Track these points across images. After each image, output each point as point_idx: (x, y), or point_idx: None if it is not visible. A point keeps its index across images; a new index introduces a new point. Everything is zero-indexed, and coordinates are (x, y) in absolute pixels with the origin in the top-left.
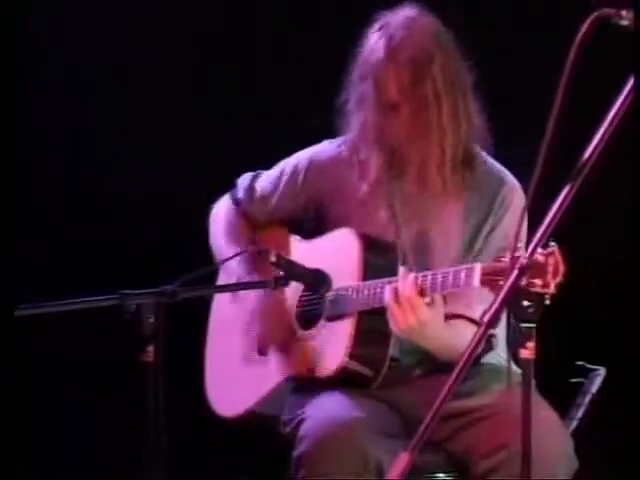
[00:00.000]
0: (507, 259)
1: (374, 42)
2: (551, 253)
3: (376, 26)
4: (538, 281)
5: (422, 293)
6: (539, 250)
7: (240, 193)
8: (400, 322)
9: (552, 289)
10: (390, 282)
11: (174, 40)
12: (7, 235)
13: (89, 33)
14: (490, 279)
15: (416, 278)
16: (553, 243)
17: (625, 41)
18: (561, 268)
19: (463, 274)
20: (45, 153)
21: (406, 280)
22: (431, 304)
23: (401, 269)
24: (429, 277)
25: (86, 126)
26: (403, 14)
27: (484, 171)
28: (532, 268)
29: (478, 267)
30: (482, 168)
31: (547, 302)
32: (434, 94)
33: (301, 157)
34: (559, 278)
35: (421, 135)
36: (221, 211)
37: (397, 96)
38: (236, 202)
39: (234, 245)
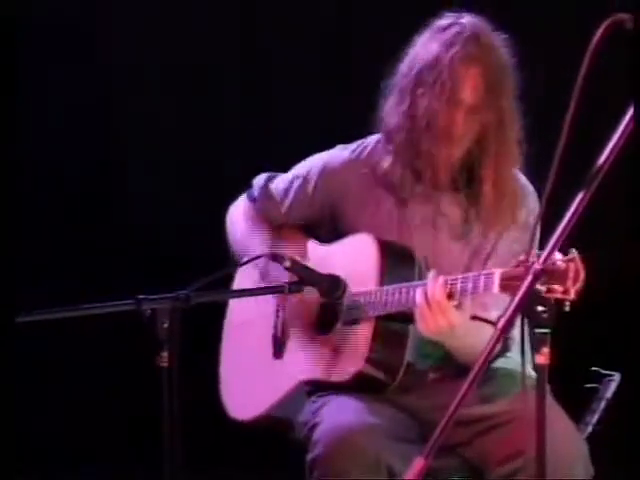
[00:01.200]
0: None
1: (452, 37)
2: (572, 259)
3: (441, 24)
4: (558, 287)
5: (450, 296)
6: (559, 256)
7: (256, 193)
8: (431, 325)
9: (572, 295)
10: (409, 287)
11: (184, 39)
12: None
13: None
14: (510, 284)
15: (446, 281)
16: (574, 250)
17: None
18: (581, 275)
19: (482, 279)
20: (60, 153)
21: (436, 283)
22: (459, 307)
23: (431, 272)
24: (458, 281)
25: (103, 126)
26: (474, 21)
27: (516, 184)
28: (552, 274)
29: (497, 273)
30: (516, 181)
31: (567, 309)
32: (509, 110)
33: (314, 163)
34: (579, 284)
35: (494, 146)
36: (239, 209)
37: (471, 98)
38: (252, 199)
39: (255, 236)
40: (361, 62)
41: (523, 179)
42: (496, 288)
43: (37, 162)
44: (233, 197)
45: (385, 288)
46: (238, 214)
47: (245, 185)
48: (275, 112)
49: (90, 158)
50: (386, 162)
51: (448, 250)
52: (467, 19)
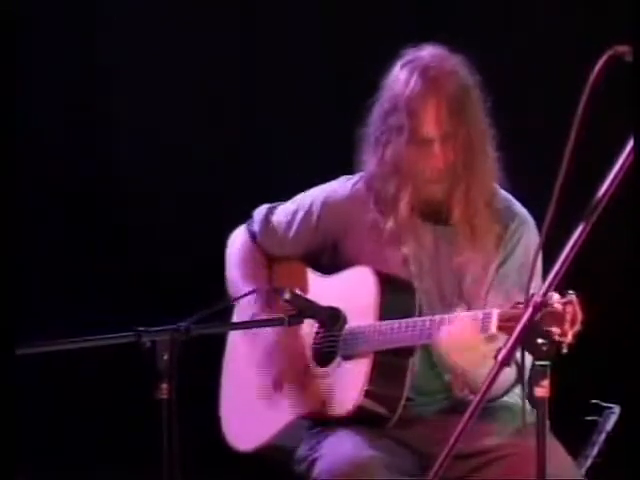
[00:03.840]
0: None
1: (407, 75)
2: (569, 302)
3: (403, 60)
4: (556, 329)
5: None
6: (557, 298)
7: (256, 226)
8: (460, 359)
9: (570, 338)
10: (407, 323)
11: (182, 37)
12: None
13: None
14: (507, 325)
15: (468, 318)
16: (571, 292)
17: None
18: (579, 317)
19: (480, 319)
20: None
21: (465, 320)
22: (492, 339)
23: (458, 309)
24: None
25: (102, 145)
26: (431, 50)
27: (496, 204)
28: (550, 316)
29: (495, 313)
30: (495, 201)
31: (565, 350)
32: (475, 133)
33: (316, 196)
34: (577, 327)
35: (462, 174)
36: (237, 244)
37: (435, 132)
38: (252, 235)
39: (249, 280)
40: (362, 89)
41: (503, 196)
42: (494, 328)
43: (36, 185)
44: (233, 227)
45: (384, 323)
46: (236, 249)
47: (247, 212)
48: (277, 139)
49: (90, 186)
50: (370, 211)
51: (450, 281)
52: (424, 53)
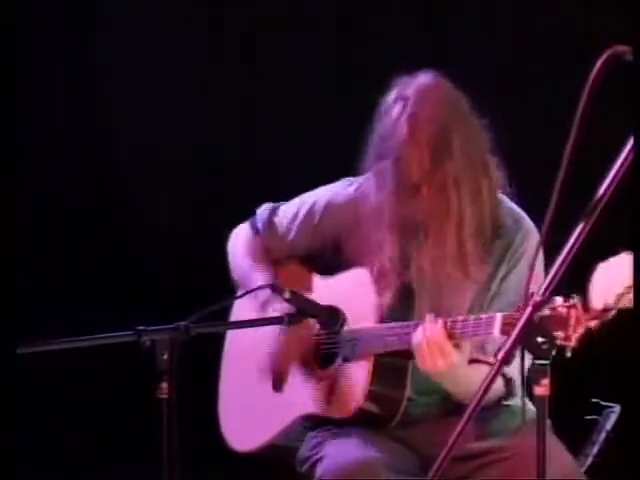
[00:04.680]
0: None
1: (395, 118)
2: (573, 306)
3: (394, 94)
4: (560, 334)
5: (451, 337)
6: (561, 301)
7: (259, 224)
8: (429, 364)
9: (574, 342)
10: (408, 326)
11: (182, 37)
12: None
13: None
14: (511, 329)
15: (445, 323)
16: (575, 296)
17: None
18: (583, 321)
19: (483, 322)
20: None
21: (435, 325)
22: (459, 347)
23: (428, 315)
24: (459, 323)
25: (102, 146)
26: (419, 83)
27: (500, 217)
28: (554, 320)
29: (499, 317)
30: (501, 213)
31: (568, 354)
32: (453, 176)
33: (318, 198)
34: (581, 331)
35: (439, 216)
36: (240, 238)
37: (418, 178)
38: (256, 231)
39: (258, 268)
40: (362, 90)
41: (507, 208)
42: (497, 332)
43: (36, 186)
44: (233, 227)
45: (385, 326)
46: (239, 245)
47: (247, 213)
48: (277, 140)
49: (90, 185)
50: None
51: (450, 287)
52: (413, 87)
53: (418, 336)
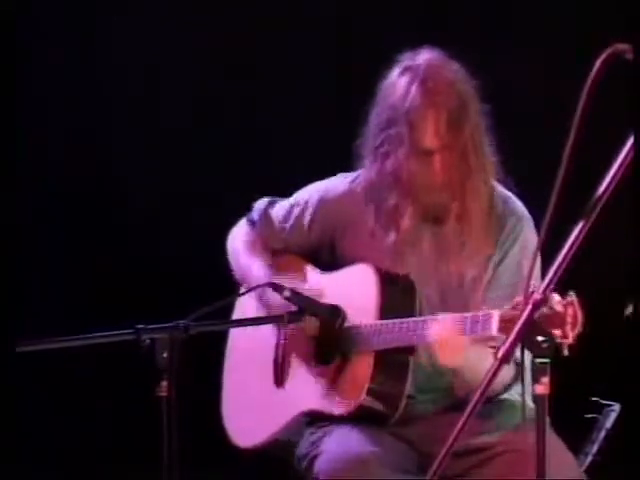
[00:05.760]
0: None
1: (405, 86)
2: (570, 303)
3: (399, 68)
4: (557, 332)
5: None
6: (558, 299)
7: (256, 216)
8: (448, 360)
9: (571, 340)
10: (402, 322)
11: (182, 37)
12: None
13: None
14: (508, 327)
15: (454, 320)
16: (572, 293)
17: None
18: (580, 318)
19: (480, 320)
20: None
21: (451, 321)
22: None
23: (442, 314)
24: (468, 320)
25: (102, 145)
26: (429, 57)
27: (495, 203)
28: (551, 318)
29: (496, 315)
30: (494, 200)
31: (566, 352)
32: (472, 143)
33: (313, 192)
34: (578, 328)
35: (458, 183)
36: (239, 234)
37: (435, 143)
38: (252, 223)
39: (254, 267)
40: (362, 90)
41: (502, 195)
42: (494, 330)
43: (36, 186)
44: (233, 226)
45: (387, 322)
46: (238, 239)
47: (245, 214)
48: (277, 140)
49: (90, 185)
50: (369, 220)
51: (449, 279)
52: (421, 60)
53: (435, 332)
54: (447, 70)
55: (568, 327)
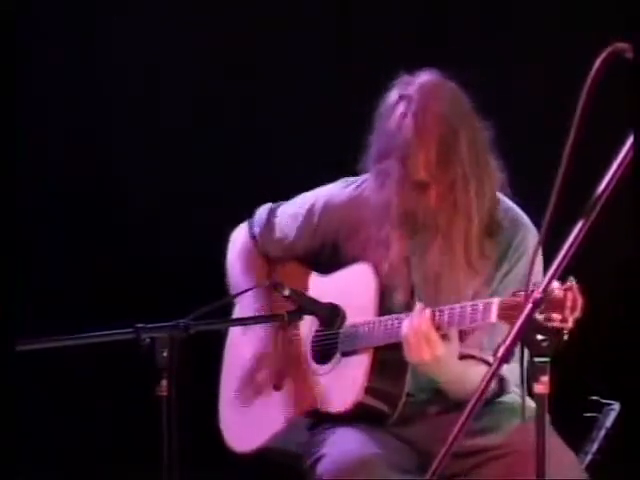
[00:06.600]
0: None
1: (400, 116)
2: (569, 288)
3: (396, 93)
4: (556, 316)
5: (438, 328)
6: (557, 285)
7: (257, 228)
8: (414, 356)
9: (570, 324)
10: (399, 319)
11: (182, 37)
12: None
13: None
14: (508, 314)
15: (433, 313)
16: (572, 278)
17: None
18: (579, 303)
19: (480, 308)
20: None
21: (422, 315)
22: (446, 339)
23: (418, 304)
24: (446, 312)
25: (102, 145)
26: (423, 82)
27: (500, 214)
28: (550, 303)
29: (496, 301)
30: (499, 212)
31: (565, 337)
32: (462, 174)
33: (317, 198)
34: (577, 313)
35: (448, 213)
36: (237, 244)
37: (425, 176)
38: (253, 236)
39: (250, 277)
40: (362, 90)
41: (506, 207)
42: (494, 317)
43: (36, 186)
44: (233, 227)
45: (382, 318)
46: (237, 248)
47: (247, 213)
48: (277, 140)
49: (90, 185)
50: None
51: (449, 287)
52: (416, 86)
53: (406, 326)
54: (440, 100)
55: (567, 311)
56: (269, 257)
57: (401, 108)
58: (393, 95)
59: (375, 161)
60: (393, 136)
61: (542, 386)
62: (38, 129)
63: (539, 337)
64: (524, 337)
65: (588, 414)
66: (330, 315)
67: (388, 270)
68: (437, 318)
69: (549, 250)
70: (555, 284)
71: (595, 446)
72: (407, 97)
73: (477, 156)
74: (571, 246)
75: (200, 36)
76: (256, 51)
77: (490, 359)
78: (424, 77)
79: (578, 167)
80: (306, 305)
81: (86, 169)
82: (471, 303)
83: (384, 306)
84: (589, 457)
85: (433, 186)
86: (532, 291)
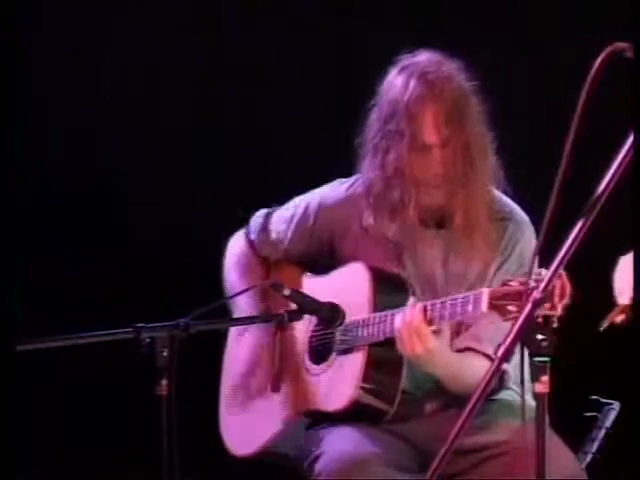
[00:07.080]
0: (514, 283)
1: (405, 80)
2: (558, 276)
3: (399, 66)
4: (545, 304)
5: (430, 322)
6: (545, 272)
7: (253, 235)
8: (407, 350)
9: (559, 311)
10: (392, 315)
11: (182, 37)
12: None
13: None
14: (498, 304)
15: (424, 307)
16: None
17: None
18: (567, 290)
19: (471, 299)
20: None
21: (414, 309)
22: (438, 333)
23: (410, 299)
24: (438, 306)
25: (101, 145)
26: (428, 56)
27: (495, 208)
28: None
29: (486, 292)
30: (494, 205)
31: (555, 324)
32: (474, 137)
33: (312, 200)
34: (566, 300)
35: (459, 180)
36: (235, 249)
37: (434, 137)
38: (250, 243)
39: (246, 281)
40: (362, 90)
41: (501, 201)
42: (485, 307)
43: (36, 186)
44: (232, 227)
45: (375, 315)
46: (234, 254)
47: (246, 214)
48: (277, 140)
49: (90, 185)
50: (369, 217)
51: (443, 280)
52: (420, 58)
53: (398, 321)
54: (446, 66)
55: (556, 299)
56: (267, 261)
57: (406, 74)
58: (393, 72)
59: (379, 127)
60: (399, 97)
61: (542, 386)
62: (38, 129)
63: (539, 337)
64: (523, 337)
65: (588, 414)
66: (330, 314)
67: (401, 229)
68: (429, 312)
69: (549, 250)
70: (544, 272)
71: (595, 446)
72: (412, 64)
73: (483, 126)
74: (570, 246)
75: (200, 36)
76: (256, 51)
77: (488, 351)
78: (427, 53)
79: (578, 167)
80: (306, 305)
81: (86, 169)
82: (462, 295)
83: (381, 302)
84: (589, 457)
85: (442, 148)
86: (532, 290)
